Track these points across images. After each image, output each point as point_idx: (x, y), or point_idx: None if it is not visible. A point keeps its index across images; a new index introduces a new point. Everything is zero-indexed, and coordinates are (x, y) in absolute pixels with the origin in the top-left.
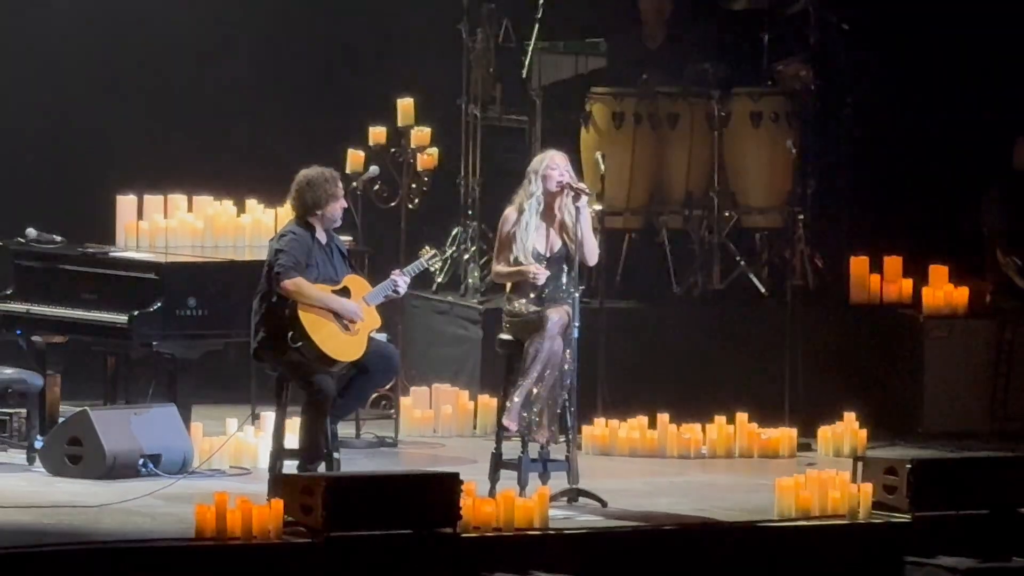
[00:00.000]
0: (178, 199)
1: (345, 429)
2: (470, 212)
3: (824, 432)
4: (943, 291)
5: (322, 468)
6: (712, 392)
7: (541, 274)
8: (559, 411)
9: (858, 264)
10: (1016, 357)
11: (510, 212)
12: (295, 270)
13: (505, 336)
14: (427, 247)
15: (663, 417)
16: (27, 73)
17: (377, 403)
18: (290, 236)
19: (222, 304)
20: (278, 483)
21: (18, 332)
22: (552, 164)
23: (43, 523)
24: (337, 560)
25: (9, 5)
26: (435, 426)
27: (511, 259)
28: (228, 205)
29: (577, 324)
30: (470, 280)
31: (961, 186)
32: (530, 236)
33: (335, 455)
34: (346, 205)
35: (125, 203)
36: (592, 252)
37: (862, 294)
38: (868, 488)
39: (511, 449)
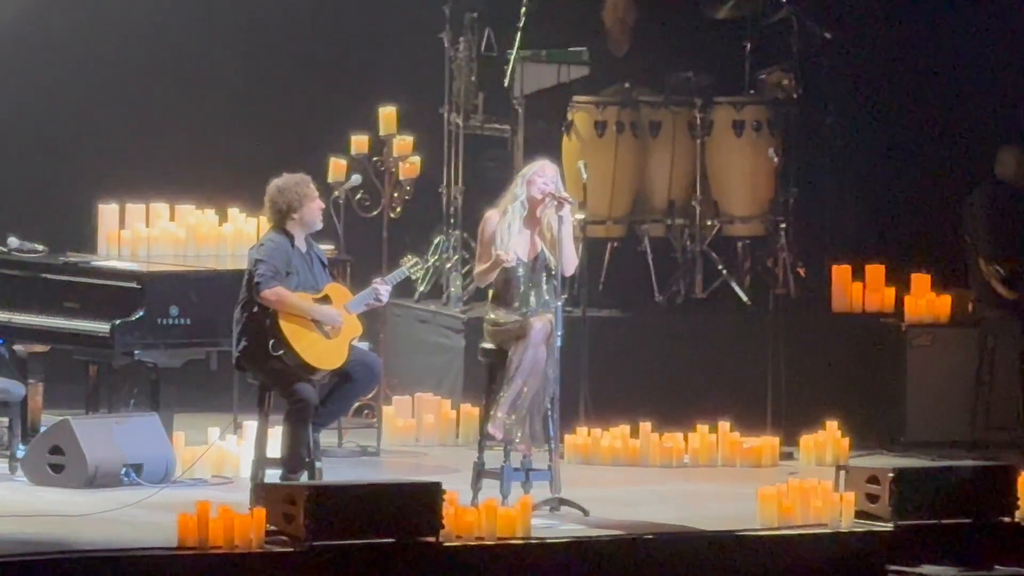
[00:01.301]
0: (160, 208)
1: (327, 438)
2: (452, 221)
3: (806, 441)
4: (925, 300)
5: (304, 477)
6: (694, 401)
7: (509, 258)
8: (541, 419)
9: (840, 272)
10: (998, 366)
11: (492, 214)
12: (275, 279)
13: (487, 345)
14: (409, 255)
15: (645, 426)
16: (7, 82)
17: (359, 412)
18: (268, 245)
19: (204, 313)
20: (260, 492)
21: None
22: (540, 172)
23: (25, 532)
24: (319, 569)
25: None
26: (417, 435)
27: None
28: (210, 214)
29: (560, 333)
30: (452, 289)
31: (944, 194)
32: (512, 238)
33: (317, 464)
34: (323, 206)
35: (107, 212)
36: (570, 262)
37: (844, 303)
38: (851, 497)
39: (493, 458)
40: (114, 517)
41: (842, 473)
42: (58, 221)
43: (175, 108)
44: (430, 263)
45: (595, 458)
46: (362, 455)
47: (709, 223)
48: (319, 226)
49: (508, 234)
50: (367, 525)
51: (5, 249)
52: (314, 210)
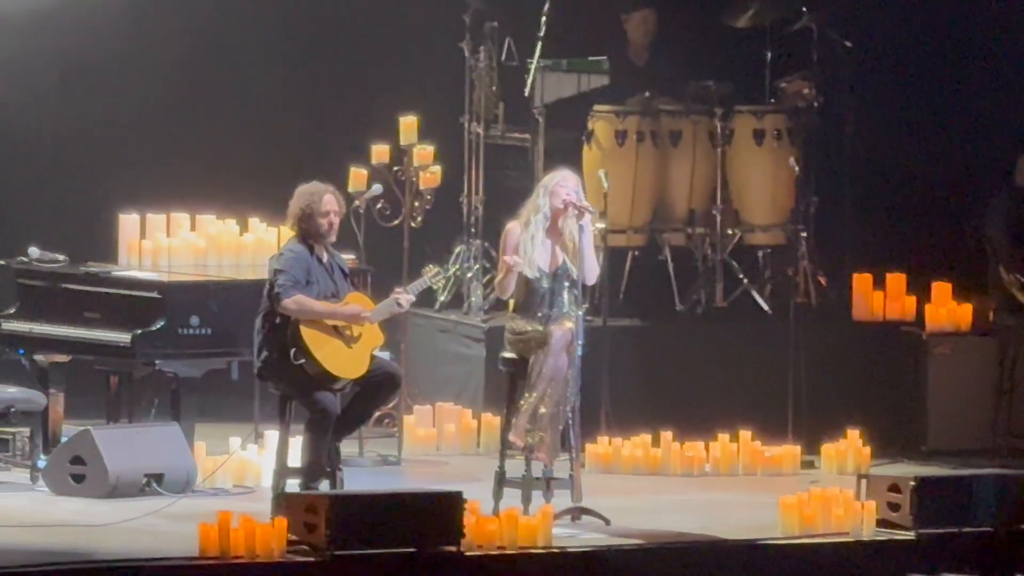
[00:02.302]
0: (180, 218)
1: (348, 447)
2: (473, 230)
3: (828, 449)
4: (946, 308)
5: (325, 486)
6: (715, 410)
7: (515, 261)
8: (562, 428)
9: (861, 281)
10: (1019, 374)
11: (513, 226)
12: (295, 288)
13: (508, 354)
14: (431, 266)
15: (666, 435)
16: (29, 92)
17: (380, 421)
18: (288, 254)
19: (225, 323)
20: (281, 501)
21: (20, 352)
22: (562, 182)
23: (46, 542)
24: None
25: (11, 27)
26: (438, 444)
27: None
28: (231, 224)
29: (581, 341)
30: (473, 298)
31: (964, 203)
32: (536, 250)
33: (338, 473)
34: (333, 223)
35: (128, 222)
36: (592, 271)
37: (865, 311)
38: (872, 506)
39: (514, 467)
40: (135, 527)
41: (863, 482)
42: (79, 231)
43: (195, 117)
44: (451, 272)
45: (616, 467)
46: (383, 464)
47: (730, 232)
48: (330, 239)
49: (532, 246)
50: (388, 534)
51: (26, 259)
52: (320, 225)
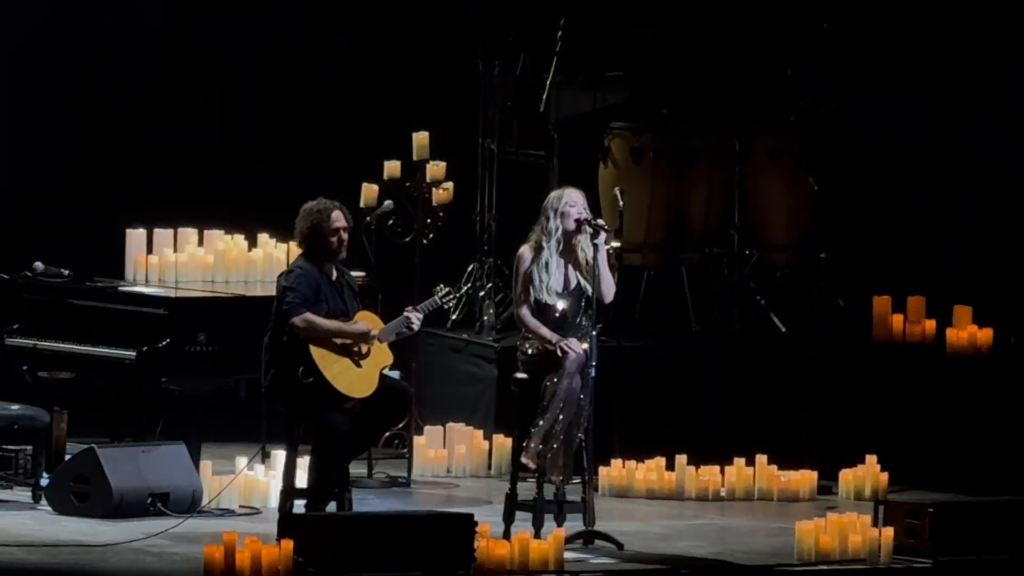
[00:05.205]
0: (188, 233)
1: (357, 468)
2: (486, 248)
3: (845, 475)
4: (967, 332)
5: (332, 508)
6: (731, 433)
7: (571, 351)
8: (575, 451)
9: (881, 304)
10: None
11: (525, 251)
12: (304, 306)
13: (521, 375)
14: (442, 284)
15: (681, 458)
16: (36, 106)
17: (390, 442)
18: (297, 272)
19: (232, 340)
20: (288, 523)
21: (24, 368)
22: (571, 201)
23: (49, 562)
24: None
25: (20, 41)
26: (449, 466)
27: (531, 300)
28: (239, 239)
29: (595, 363)
30: (485, 318)
31: (985, 225)
32: (551, 275)
33: (347, 494)
34: (344, 239)
35: (135, 237)
36: (609, 289)
37: (884, 334)
38: (889, 532)
39: (526, 490)
40: (139, 547)
41: (881, 508)
42: (85, 246)
43: (204, 132)
44: (463, 291)
45: (630, 491)
46: (393, 486)
47: (747, 252)
48: (341, 255)
49: (547, 273)
50: (397, 558)
51: (31, 274)
52: (331, 243)
